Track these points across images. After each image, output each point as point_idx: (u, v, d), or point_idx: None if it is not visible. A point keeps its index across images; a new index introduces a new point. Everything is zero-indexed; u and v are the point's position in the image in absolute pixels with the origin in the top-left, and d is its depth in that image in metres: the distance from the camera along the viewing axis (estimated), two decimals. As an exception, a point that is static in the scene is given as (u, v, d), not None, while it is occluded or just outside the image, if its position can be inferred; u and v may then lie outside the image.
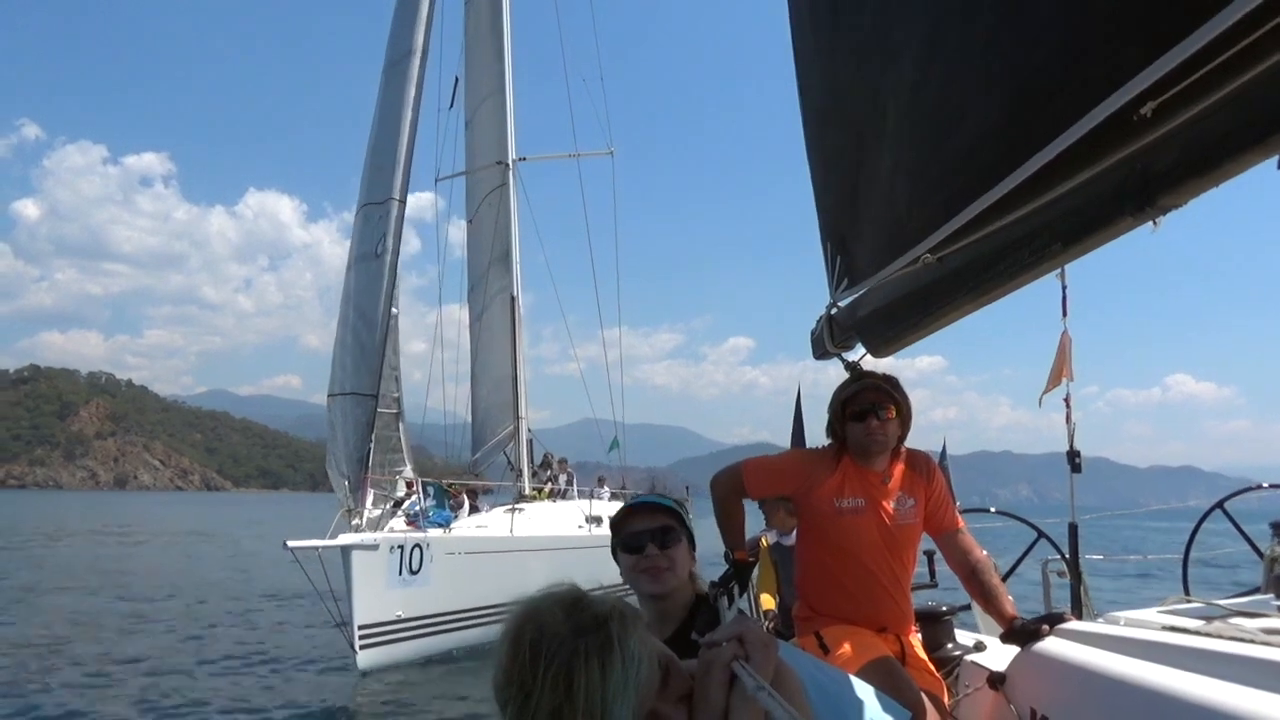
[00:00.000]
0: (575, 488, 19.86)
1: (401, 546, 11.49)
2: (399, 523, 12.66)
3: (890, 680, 2.22)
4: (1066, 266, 2.84)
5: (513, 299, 20.12)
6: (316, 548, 10.64)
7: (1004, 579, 3.78)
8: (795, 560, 2.91)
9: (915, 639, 2.70)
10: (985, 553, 2.72)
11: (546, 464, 20.48)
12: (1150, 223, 1.53)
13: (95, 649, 11.86)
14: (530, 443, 20.09)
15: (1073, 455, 3.24)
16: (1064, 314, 3.15)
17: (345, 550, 10.78)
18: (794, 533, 4.73)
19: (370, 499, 12.59)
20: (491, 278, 20.77)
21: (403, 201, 13.62)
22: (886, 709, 1.64)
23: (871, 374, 2.69)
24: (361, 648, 10.73)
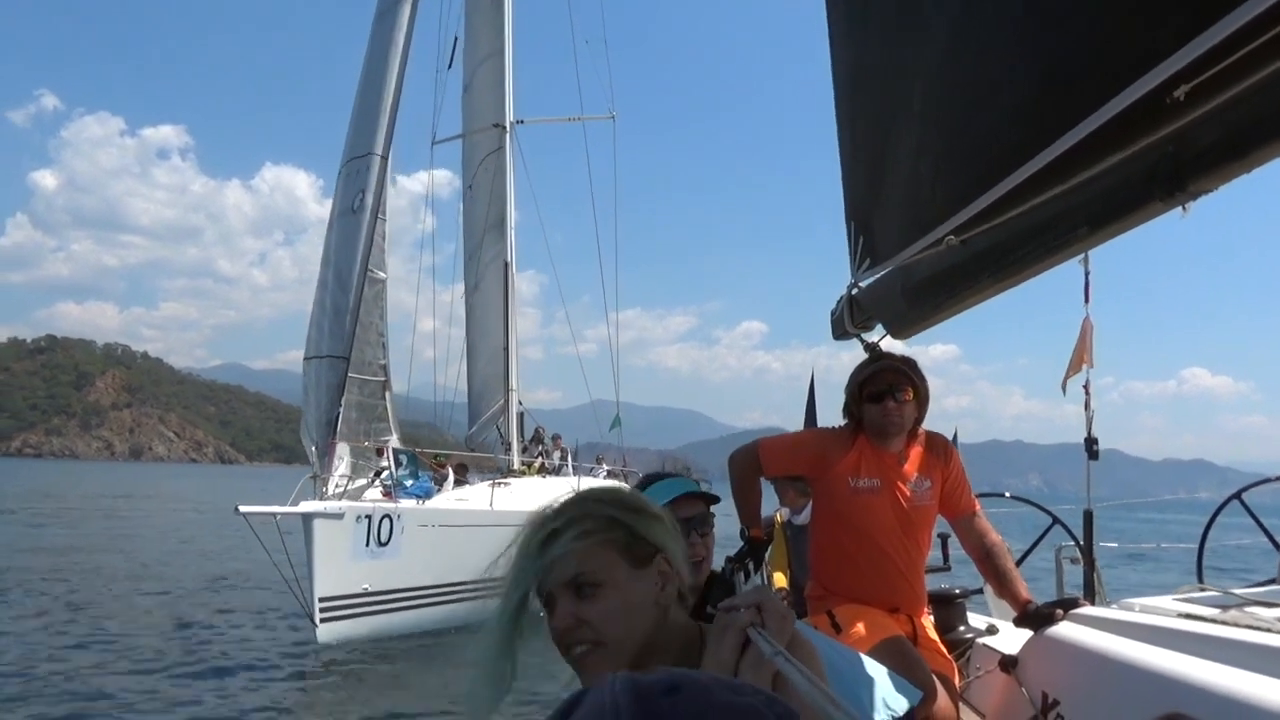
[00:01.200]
0: (570, 464, 19.23)
1: (369, 516, 10.96)
2: (375, 493, 12.17)
3: (902, 660, 2.23)
4: (1090, 252, 2.83)
5: (506, 266, 19.46)
6: (273, 514, 10.24)
7: (1017, 564, 3.79)
8: (809, 539, 2.92)
9: (927, 620, 2.72)
10: (1000, 537, 2.72)
11: (538, 439, 19.90)
12: (1180, 207, 1.52)
13: (32, 608, 11.70)
14: (521, 417, 19.55)
15: (1090, 442, 3.23)
16: (1086, 300, 3.13)
17: (306, 518, 10.33)
18: (805, 512, 4.75)
19: (344, 467, 12.08)
20: (486, 245, 20.12)
21: (384, 157, 13.08)
22: (898, 688, 1.65)
23: (890, 355, 2.69)
24: (322, 620, 10.30)
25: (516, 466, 18.04)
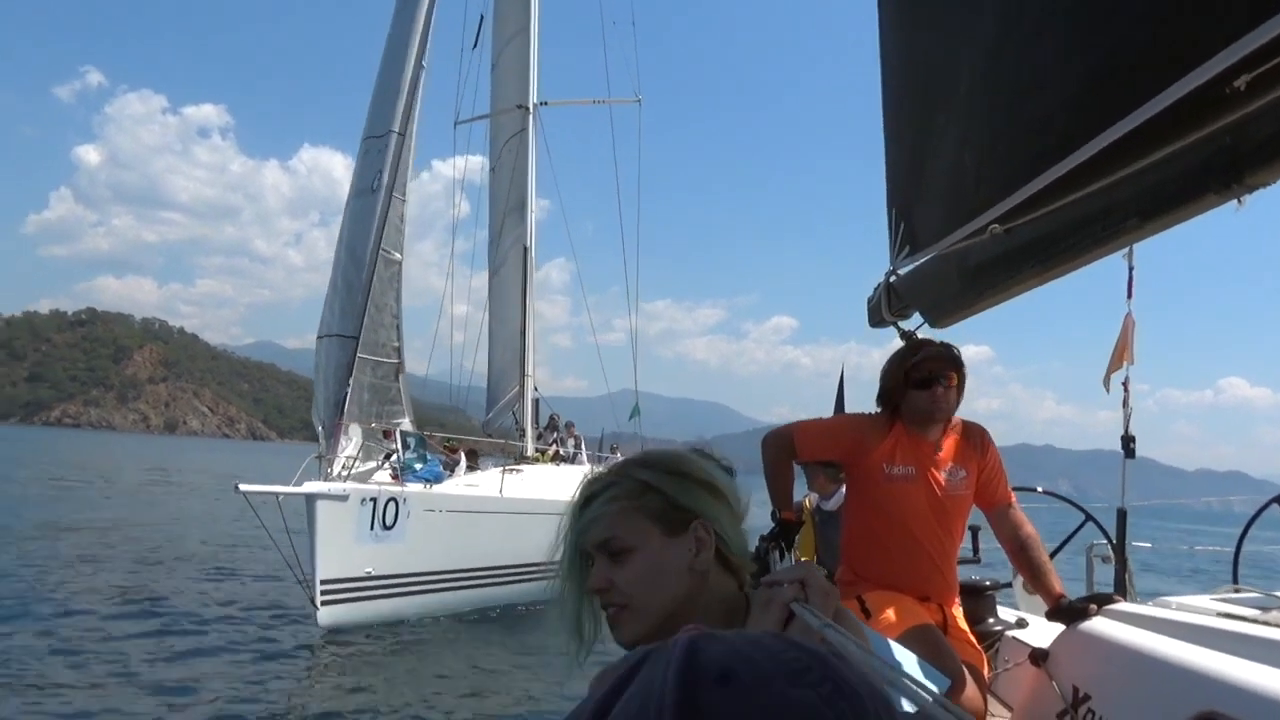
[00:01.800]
0: (584, 452, 18.87)
1: (374, 499, 10.70)
2: (384, 475, 11.87)
3: (931, 648, 2.23)
4: (1135, 247, 2.80)
5: (525, 251, 19.05)
6: (276, 494, 10.02)
7: (1050, 558, 3.76)
8: (841, 524, 2.92)
9: (958, 610, 2.71)
10: (1035, 529, 2.70)
11: (553, 426, 19.29)
12: (1235, 201, 1.50)
13: (31, 580, 11.49)
14: (537, 403, 19.07)
15: (1127, 440, 3.20)
16: (1129, 295, 3.10)
17: (309, 499, 10.06)
18: (834, 498, 4.75)
19: (354, 449, 11.75)
20: (506, 229, 19.72)
21: (402, 135, 12.82)
22: (927, 675, 1.65)
23: (933, 342, 2.67)
24: (324, 603, 10.05)
25: (530, 453, 17.84)
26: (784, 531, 2.68)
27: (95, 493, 28.02)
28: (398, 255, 13.30)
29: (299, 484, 10.18)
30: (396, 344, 13.59)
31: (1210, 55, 1.19)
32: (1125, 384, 3.18)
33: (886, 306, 2.75)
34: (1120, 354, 3.19)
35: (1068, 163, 1.55)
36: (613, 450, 20.52)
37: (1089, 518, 4.00)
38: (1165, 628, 2.08)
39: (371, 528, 10.65)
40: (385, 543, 10.81)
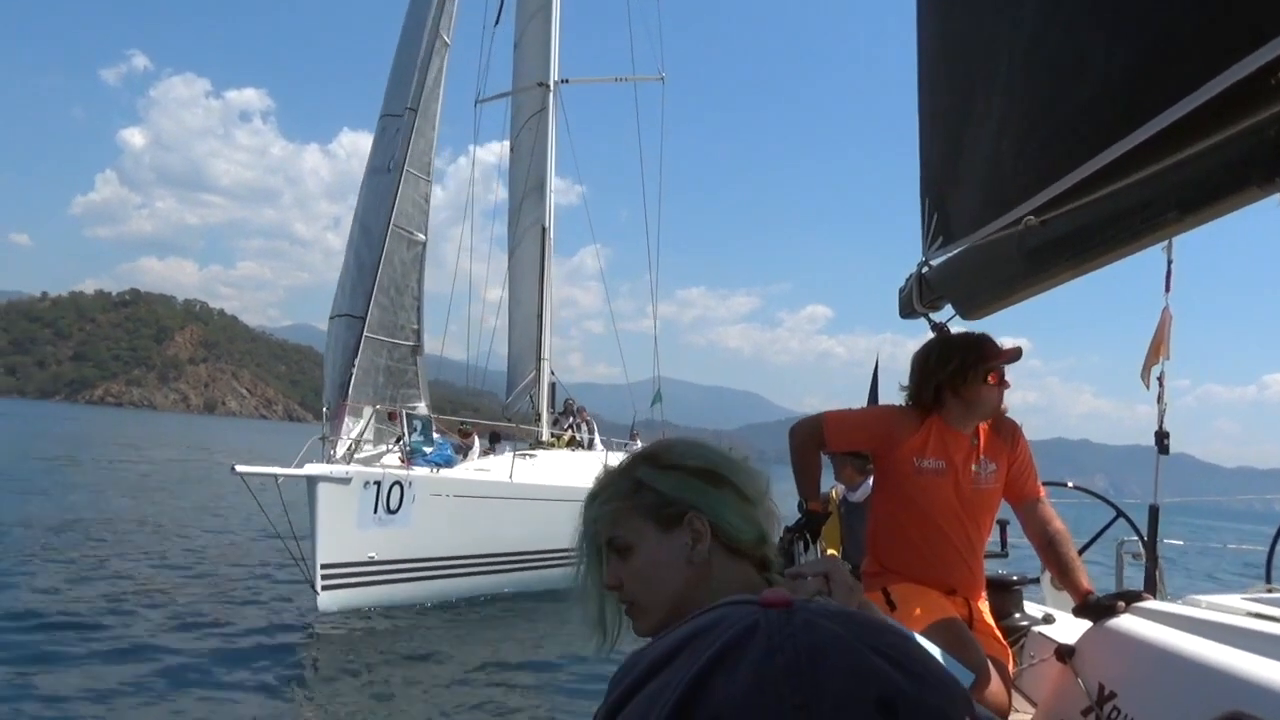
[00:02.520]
0: (598, 437, 18.41)
1: (379, 483, 10.42)
2: (393, 459, 11.60)
3: (956, 642, 2.22)
4: (1175, 240, 2.74)
5: (544, 231, 18.67)
6: (275, 475, 9.66)
7: (1079, 554, 3.72)
8: (869, 515, 2.91)
9: (984, 605, 2.69)
10: (1064, 525, 2.67)
11: (569, 411, 18.90)
12: (1278, 194, 1.46)
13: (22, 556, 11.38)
14: (553, 388, 18.75)
15: (1161, 436, 3.15)
16: (1167, 289, 3.04)
17: (310, 481, 9.82)
18: (860, 489, 4.73)
19: (368, 431, 11.58)
20: (525, 209, 19.36)
21: (415, 110, 12.60)
22: (950, 669, 1.65)
23: (989, 337, 2.61)
24: (324, 588, 9.83)
25: (545, 438, 17.54)
26: (809, 522, 2.68)
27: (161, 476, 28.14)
28: (421, 236, 13.10)
29: (300, 466, 9.95)
30: (416, 326, 13.40)
31: (1259, 45, 1.16)
32: (1160, 380, 3.13)
33: (918, 298, 2.72)
34: (1157, 349, 3.13)
35: (1108, 154, 1.53)
36: (633, 437, 20.22)
37: (1120, 514, 3.95)
38: (1194, 626, 2.05)
39: (375, 511, 10.39)
40: (389, 527, 10.55)
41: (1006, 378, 2.57)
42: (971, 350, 2.57)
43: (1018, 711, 2.60)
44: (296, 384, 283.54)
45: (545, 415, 18.25)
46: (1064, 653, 2.40)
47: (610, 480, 1.24)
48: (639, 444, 19.68)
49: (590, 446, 17.84)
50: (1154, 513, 3.36)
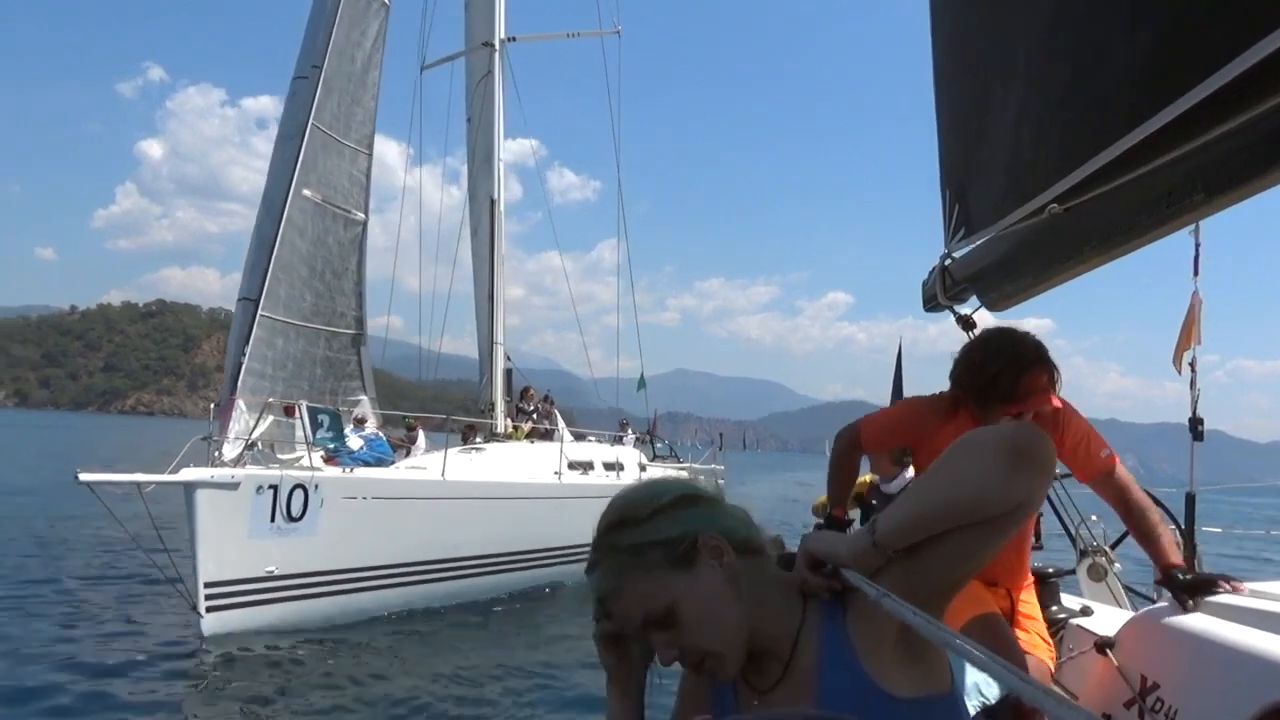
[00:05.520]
0: (562, 427, 16.46)
1: (275, 486, 9.03)
2: (319, 459, 10.29)
3: (995, 639, 2.18)
4: (1202, 222, 2.69)
5: (492, 204, 17.00)
6: (137, 483, 8.06)
7: (1113, 547, 3.67)
8: None
9: (1028, 596, 2.62)
10: (1144, 494, 2.55)
11: (527, 398, 17.10)
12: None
13: None
14: (509, 374, 17.11)
15: (1195, 423, 3.09)
16: (1195, 273, 2.98)
17: (188, 488, 8.44)
18: (895, 481, 4.71)
19: (255, 428, 10.13)
20: (478, 182, 17.61)
21: (319, 68, 11.51)
22: (987, 668, 1.63)
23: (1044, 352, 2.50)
24: (208, 610, 8.51)
25: (500, 430, 16.03)
26: (830, 528, 2.66)
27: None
28: (360, 215, 12.10)
29: (176, 471, 8.48)
30: (357, 313, 12.32)
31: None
32: (1193, 365, 3.08)
33: (942, 291, 2.69)
34: (1188, 335, 3.08)
35: (1131, 137, 1.50)
36: (623, 427, 19.07)
37: (1156, 502, 3.88)
38: (1238, 615, 2.02)
39: (272, 520, 9.08)
40: (290, 536, 9.23)
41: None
42: (1046, 372, 2.42)
43: (1057, 705, 2.55)
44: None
45: (500, 405, 16.63)
46: (1103, 645, 2.36)
47: (605, 570, 1.14)
48: (632, 434, 18.83)
49: (551, 436, 15.91)
50: (1190, 500, 3.30)
